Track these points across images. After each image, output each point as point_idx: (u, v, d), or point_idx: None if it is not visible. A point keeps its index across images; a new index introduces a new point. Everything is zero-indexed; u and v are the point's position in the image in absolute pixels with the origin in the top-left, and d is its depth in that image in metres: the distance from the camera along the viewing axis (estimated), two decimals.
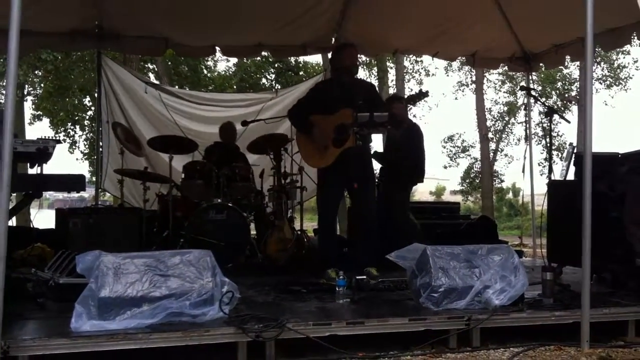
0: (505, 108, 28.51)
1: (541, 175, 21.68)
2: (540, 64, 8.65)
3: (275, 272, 6.20)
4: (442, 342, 3.91)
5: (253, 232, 7.35)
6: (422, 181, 6.86)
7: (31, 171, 4.52)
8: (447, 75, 33.27)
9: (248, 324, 3.62)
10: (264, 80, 22.22)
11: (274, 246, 6.60)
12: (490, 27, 7.94)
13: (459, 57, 9.41)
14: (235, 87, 21.09)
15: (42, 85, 19.94)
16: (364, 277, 5.11)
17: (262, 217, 7.32)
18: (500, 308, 4.13)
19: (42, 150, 4.18)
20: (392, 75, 21.68)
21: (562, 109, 25.56)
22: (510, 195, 33.76)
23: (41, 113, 20.30)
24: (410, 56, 22.19)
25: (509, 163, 29.96)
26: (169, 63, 19.48)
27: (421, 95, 5.60)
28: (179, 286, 3.72)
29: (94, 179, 10.99)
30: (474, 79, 24.94)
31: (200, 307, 3.73)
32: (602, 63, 25.40)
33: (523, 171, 8.08)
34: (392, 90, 20.97)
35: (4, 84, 14.37)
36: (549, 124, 6.21)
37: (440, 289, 4.16)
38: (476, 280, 4.24)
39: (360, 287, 4.82)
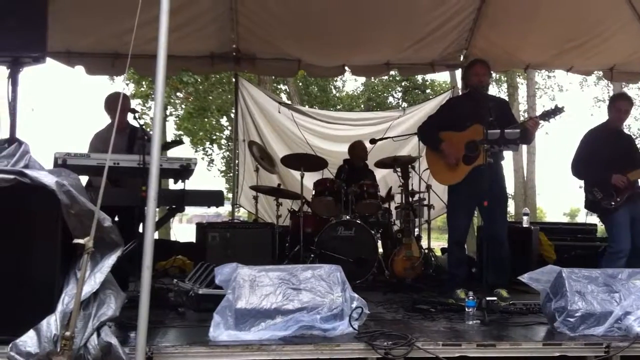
0: None
1: None
2: None
3: (402, 290, 6.18)
4: None
5: (380, 249, 7.38)
6: None
7: (172, 186, 4.83)
8: (582, 91, 31.75)
9: (377, 340, 3.64)
10: (390, 99, 22.33)
11: (402, 264, 6.59)
12: (630, 39, 7.53)
13: (595, 71, 9.01)
14: (362, 106, 21.34)
15: (183, 106, 21.05)
16: (494, 298, 4.99)
17: (389, 234, 7.34)
18: None
19: (185, 167, 4.44)
20: (522, 91, 21.04)
21: None
22: None
23: (182, 132, 21.41)
24: (542, 71, 21.42)
25: None
26: (300, 84, 20.02)
27: (556, 111, 5.42)
28: (310, 300, 3.80)
29: (229, 195, 11.47)
30: (611, 93, 23.59)
31: (331, 321, 3.79)
32: None
33: None
34: (522, 107, 20.29)
35: (151, 105, 15.44)
36: None
37: (577, 313, 3.99)
38: (616, 305, 4.03)
39: (491, 309, 4.71)
